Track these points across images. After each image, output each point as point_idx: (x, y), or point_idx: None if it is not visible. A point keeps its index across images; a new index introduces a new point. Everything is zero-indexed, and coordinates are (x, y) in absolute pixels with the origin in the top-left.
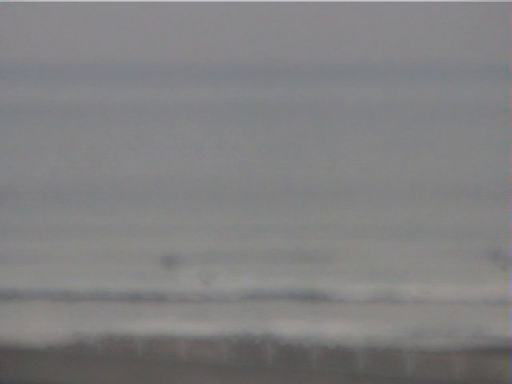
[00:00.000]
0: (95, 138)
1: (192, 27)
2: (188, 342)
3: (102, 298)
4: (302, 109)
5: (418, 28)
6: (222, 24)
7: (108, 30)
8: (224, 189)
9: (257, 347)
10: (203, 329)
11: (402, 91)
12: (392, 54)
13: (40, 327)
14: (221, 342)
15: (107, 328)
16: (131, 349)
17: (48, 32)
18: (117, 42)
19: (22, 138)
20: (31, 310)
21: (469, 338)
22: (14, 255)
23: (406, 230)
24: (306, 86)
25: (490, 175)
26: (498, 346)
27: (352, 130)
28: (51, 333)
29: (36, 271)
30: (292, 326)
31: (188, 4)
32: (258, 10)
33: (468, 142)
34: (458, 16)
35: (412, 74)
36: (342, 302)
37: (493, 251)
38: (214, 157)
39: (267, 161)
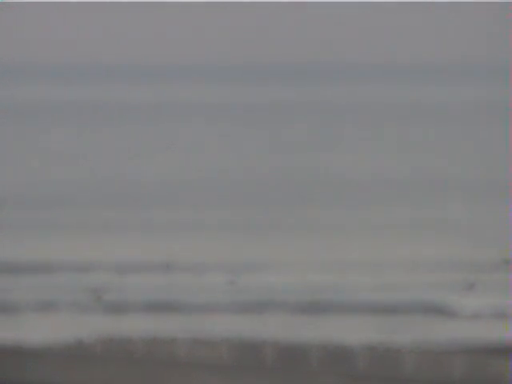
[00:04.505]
0: (91, 138)
1: (191, 28)
2: (188, 342)
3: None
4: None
5: (418, 28)
6: (224, 24)
7: (108, 30)
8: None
9: (257, 347)
10: None
11: (400, 91)
12: (391, 55)
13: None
14: (221, 342)
15: None
16: (131, 349)
17: (48, 32)
18: (116, 42)
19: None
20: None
21: None
22: None
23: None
24: (308, 85)
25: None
26: (499, 346)
27: (351, 130)
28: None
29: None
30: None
31: (188, 4)
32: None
33: (469, 143)
34: (458, 16)
35: (412, 74)
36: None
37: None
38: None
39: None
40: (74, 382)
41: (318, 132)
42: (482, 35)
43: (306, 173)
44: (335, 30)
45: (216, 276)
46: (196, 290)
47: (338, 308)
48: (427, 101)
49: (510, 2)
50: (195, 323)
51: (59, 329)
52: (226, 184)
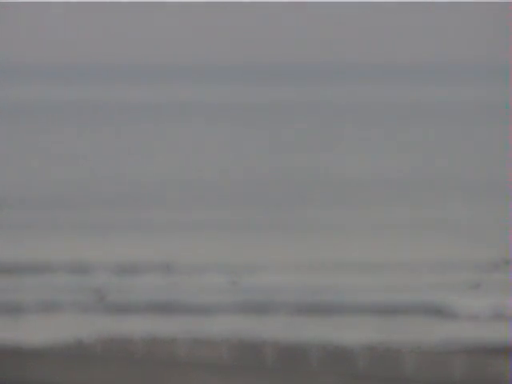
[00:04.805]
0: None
1: (192, 28)
2: (188, 342)
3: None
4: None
5: (418, 28)
6: (224, 25)
7: (108, 30)
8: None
9: (257, 347)
10: None
11: (401, 91)
12: (391, 55)
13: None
14: (221, 342)
15: None
16: (131, 349)
17: (48, 32)
18: (117, 42)
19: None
20: None
21: None
22: None
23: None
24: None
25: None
26: (498, 346)
27: (351, 130)
28: None
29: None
30: None
31: (188, 5)
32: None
33: (469, 143)
34: (458, 16)
35: (412, 74)
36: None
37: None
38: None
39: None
40: (76, 381)
41: (317, 132)
42: (482, 35)
43: (306, 173)
44: (335, 30)
45: (218, 276)
46: (197, 291)
47: (338, 309)
48: (427, 101)
49: (510, 1)
50: (196, 323)
51: (61, 329)
52: (227, 184)
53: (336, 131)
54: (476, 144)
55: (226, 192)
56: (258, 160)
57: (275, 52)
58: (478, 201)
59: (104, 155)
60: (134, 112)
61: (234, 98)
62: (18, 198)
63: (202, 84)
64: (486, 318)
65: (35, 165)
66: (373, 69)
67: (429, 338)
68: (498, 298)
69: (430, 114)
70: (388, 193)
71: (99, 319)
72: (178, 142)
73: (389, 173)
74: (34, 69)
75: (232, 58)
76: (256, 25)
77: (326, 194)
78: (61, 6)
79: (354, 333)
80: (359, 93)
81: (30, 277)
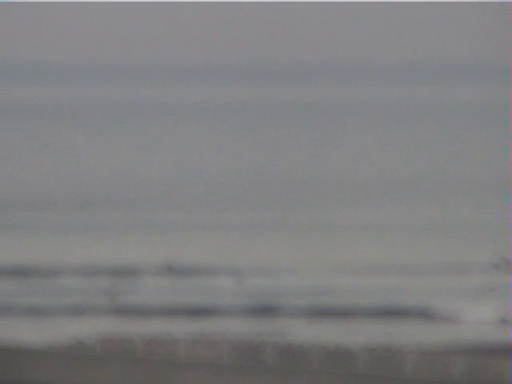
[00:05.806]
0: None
1: (193, 28)
2: (188, 342)
3: None
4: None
5: (419, 28)
6: (224, 25)
7: (108, 30)
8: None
9: (257, 347)
10: None
11: (401, 91)
12: (391, 55)
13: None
14: (221, 342)
15: None
16: (131, 349)
17: (48, 32)
18: (117, 42)
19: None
20: None
21: None
22: None
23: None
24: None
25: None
26: (498, 346)
27: (352, 130)
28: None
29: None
30: None
31: (189, 4)
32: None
33: (469, 143)
34: (457, 16)
35: (412, 74)
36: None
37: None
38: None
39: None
40: (76, 381)
41: (318, 132)
42: (482, 35)
43: (308, 173)
44: (335, 30)
45: (222, 277)
46: (201, 292)
47: (342, 311)
48: (427, 100)
49: (509, 1)
50: (198, 323)
51: (63, 330)
52: (231, 186)
53: (336, 131)
54: (475, 144)
55: (229, 193)
56: (259, 160)
57: (275, 52)
58: (477, 201)
59: (105, 155)
60: (133, 112)
61: (233, 98)
62: (20, 200)
63: (201, 84)
64: (488, 321)
65: (36, 166)
66: (373, 69)
67: (431, 339)
68: (500, 300)
69: (429, 114)
70: (388, 194)
71: (102, 320)
72: (178, 142)
73: (389, 173)
74: (33, 68)
75: (232, 58)
76: (256, 25)
77: (326, 194)
78: (61, 7)
79: (355, 335)
80: (358, 93)
81: (33, 278)
